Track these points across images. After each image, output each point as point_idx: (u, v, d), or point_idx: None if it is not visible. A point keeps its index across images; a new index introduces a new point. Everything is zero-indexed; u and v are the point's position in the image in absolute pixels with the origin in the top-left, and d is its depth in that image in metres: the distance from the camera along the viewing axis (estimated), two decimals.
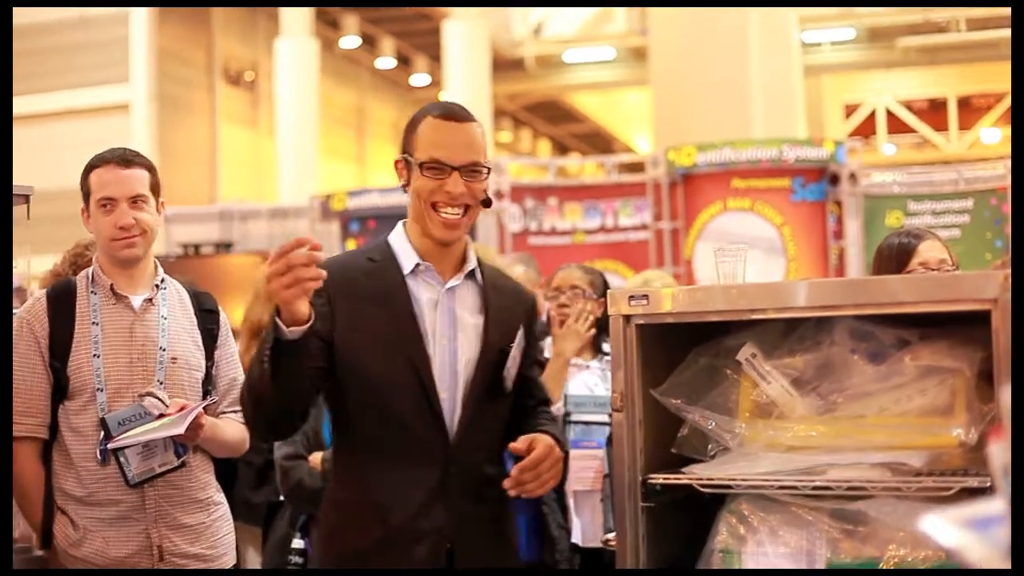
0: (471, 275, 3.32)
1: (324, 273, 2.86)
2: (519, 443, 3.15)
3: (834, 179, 12.96)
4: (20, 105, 21.56)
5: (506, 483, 3.11)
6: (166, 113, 22.42)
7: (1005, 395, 1.36)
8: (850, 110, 28.84)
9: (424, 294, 3.24)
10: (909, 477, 2.88)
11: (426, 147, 3.21)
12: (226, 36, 24.35)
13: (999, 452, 1.38)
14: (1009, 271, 2.72)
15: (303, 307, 2.89)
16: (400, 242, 3.29)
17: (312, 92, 22.81)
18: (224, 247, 14.31)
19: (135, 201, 3.94)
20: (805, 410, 3.08)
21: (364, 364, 3.15)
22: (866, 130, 27.89)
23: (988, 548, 1.35)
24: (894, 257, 4.19)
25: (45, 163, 18.02)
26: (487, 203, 3.29)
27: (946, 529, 1.39)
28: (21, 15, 20.42)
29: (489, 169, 3.27)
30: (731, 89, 15.65)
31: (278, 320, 2.89)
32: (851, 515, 2.98)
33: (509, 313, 3.35)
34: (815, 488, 2.97)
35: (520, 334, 3.33)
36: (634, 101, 30.28)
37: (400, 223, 3.33)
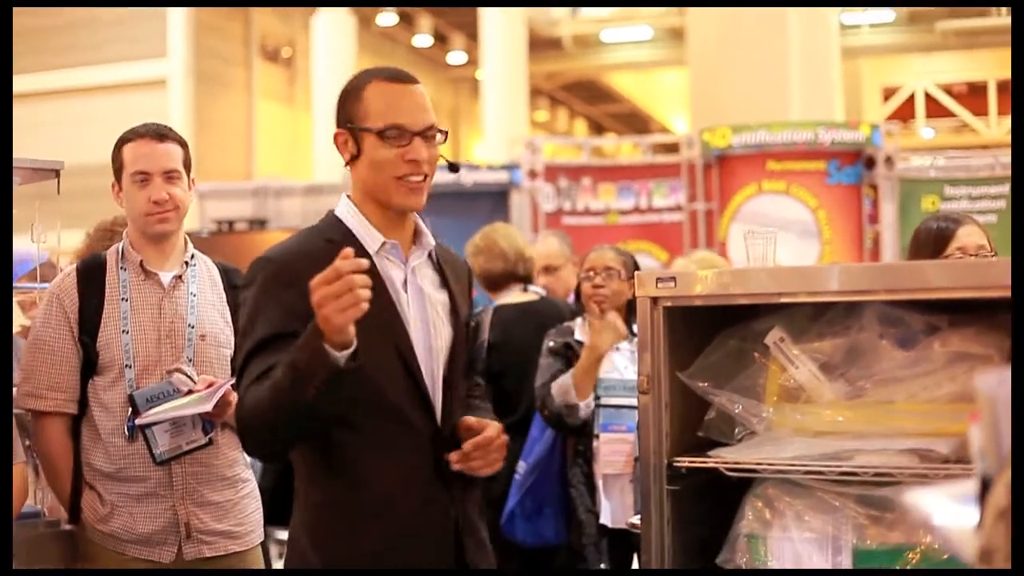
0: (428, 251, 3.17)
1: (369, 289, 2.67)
2: (471, 421, 3.04)
3: (870, 162, 12.89)
4: (57, 79, 21.71)
5: (452, 456, 2.97)
6: (203, 89, 22.48)
7: (982, 382, 1.37)
8: (888, 93, 28.69)
9: (393, 274, 3.06)
10: (937, 464, 2.87)
11: (380, 113, 3.00)
12: (263, 12, 24.40)
13: (976, 435, 1.40)
14: None
15: (352, 328, 2.68)
16: (356, 220, 3.07)
17: (349, 69, 22.78)
18: (258, 224, 14.32)
19: (169, 176, 3.94)
20: (833, 395, 3.06)
21: None
22: (905, 114, 27.74)
23: (960, 526, 1.39)
24: (931, 241, 4.16)
25: (82, 137, 18.12)
26: (455, 168, 3.17)
27: (938, 506, 1.42)
28: None
29: (445, 133, 3.10)
30: (768, 70, 15.55)
31: (329, 348, 2.66)
32: (878, 501, 2.97)
33: (462, 285, 3.23)
34: (842, 474, 2.96)
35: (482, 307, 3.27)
36: (671, 81, 30.19)
37: (345, 197, 3.13)
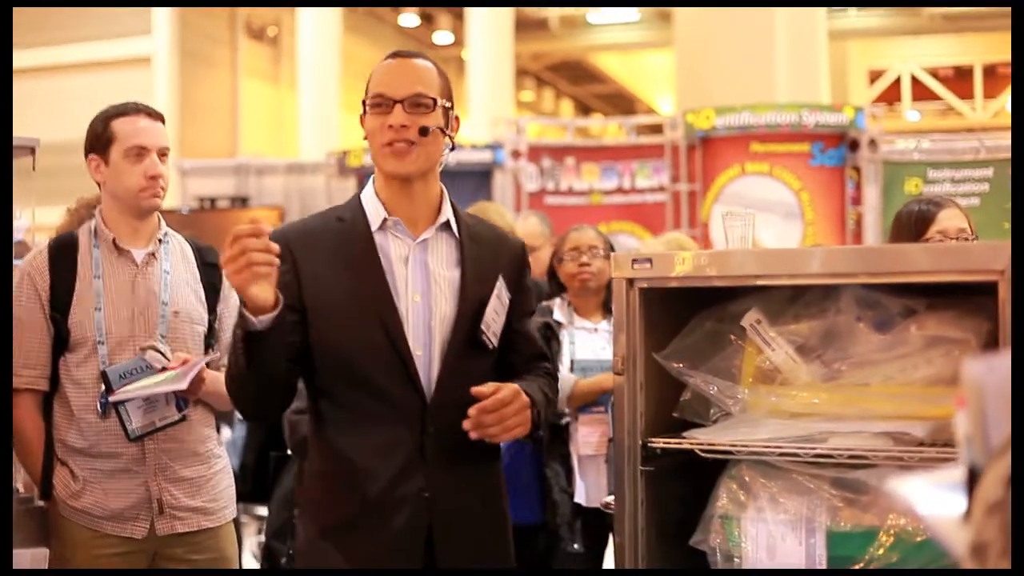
0: (446, 227, 3.19)
1: (275, 258, 2.76)
2: (484, 386, 2.99)
3: (853, 145, 12.90)
4: (42, 56, 21.61)
5: (466, 424, 2.96)
6: (188, 67, 22.38)
7: (970, 369, 1.35)
8: (875, 76, 28.68)
9: (393, 250, 3.11)
10: (911, 447, 2.86)
11: (371, 88, 3.13)
12: None
13: (962, 421, 1.39)
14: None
15: (265, 293, 2.79)
16: (369, 198, 3.17)
17: (334, 48, 22.73)
18: (240, 201, 14.30)
19: (162, 153, 3.98)
20: (809, 377, 3.06)
21: (334, 329, 3.03)
22: (891, 96, 27.75)
23: (946, 515, 1.38)
24: (913, 224, 4.16)
25: (66, 114, 18.03)
26: (424, 131, 3.08)
27: (921, 492, 1.41)
28: None
29: (435, 101, 3.11)
30: (755, 53, 15.51)
31: (244, 311, 2.81)
32: (852, 483, 2.96)
33: (491, 263, 3.21)
34: (816, 456, 2.95)
35: (500, 284, 3.20)
36: (658, 62, 30.15)
37: (370, 178, 3.22)
